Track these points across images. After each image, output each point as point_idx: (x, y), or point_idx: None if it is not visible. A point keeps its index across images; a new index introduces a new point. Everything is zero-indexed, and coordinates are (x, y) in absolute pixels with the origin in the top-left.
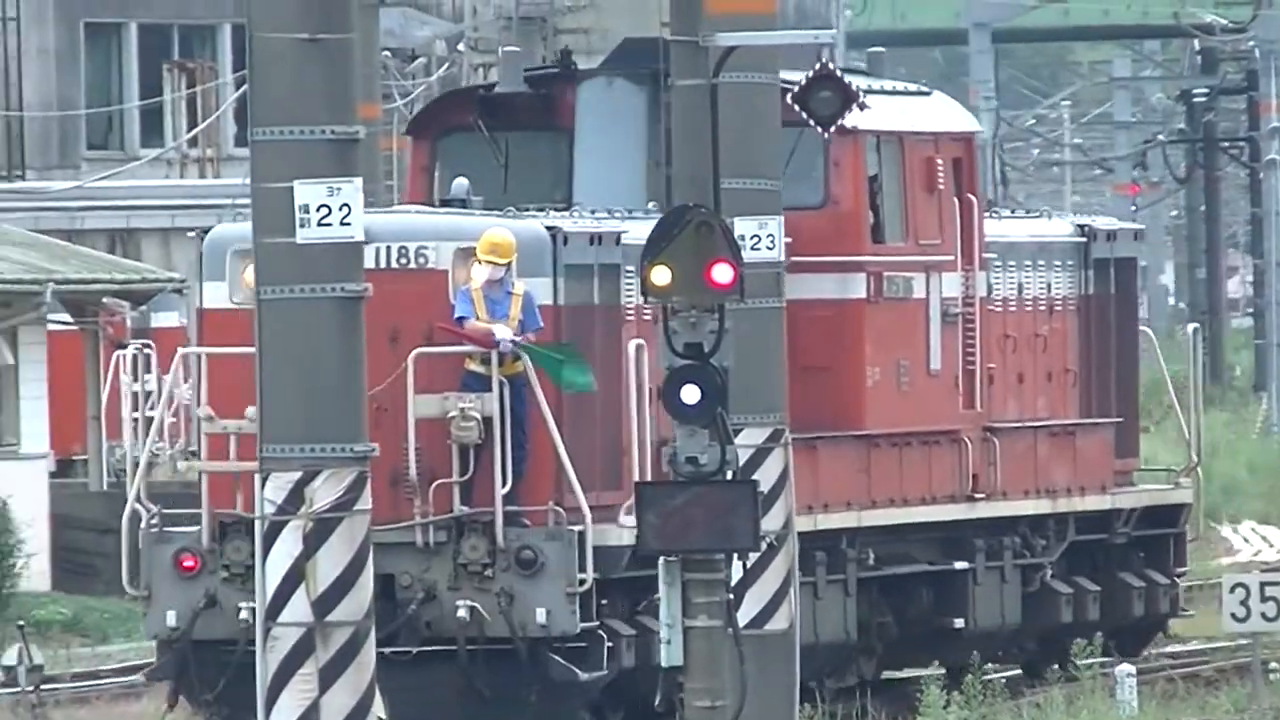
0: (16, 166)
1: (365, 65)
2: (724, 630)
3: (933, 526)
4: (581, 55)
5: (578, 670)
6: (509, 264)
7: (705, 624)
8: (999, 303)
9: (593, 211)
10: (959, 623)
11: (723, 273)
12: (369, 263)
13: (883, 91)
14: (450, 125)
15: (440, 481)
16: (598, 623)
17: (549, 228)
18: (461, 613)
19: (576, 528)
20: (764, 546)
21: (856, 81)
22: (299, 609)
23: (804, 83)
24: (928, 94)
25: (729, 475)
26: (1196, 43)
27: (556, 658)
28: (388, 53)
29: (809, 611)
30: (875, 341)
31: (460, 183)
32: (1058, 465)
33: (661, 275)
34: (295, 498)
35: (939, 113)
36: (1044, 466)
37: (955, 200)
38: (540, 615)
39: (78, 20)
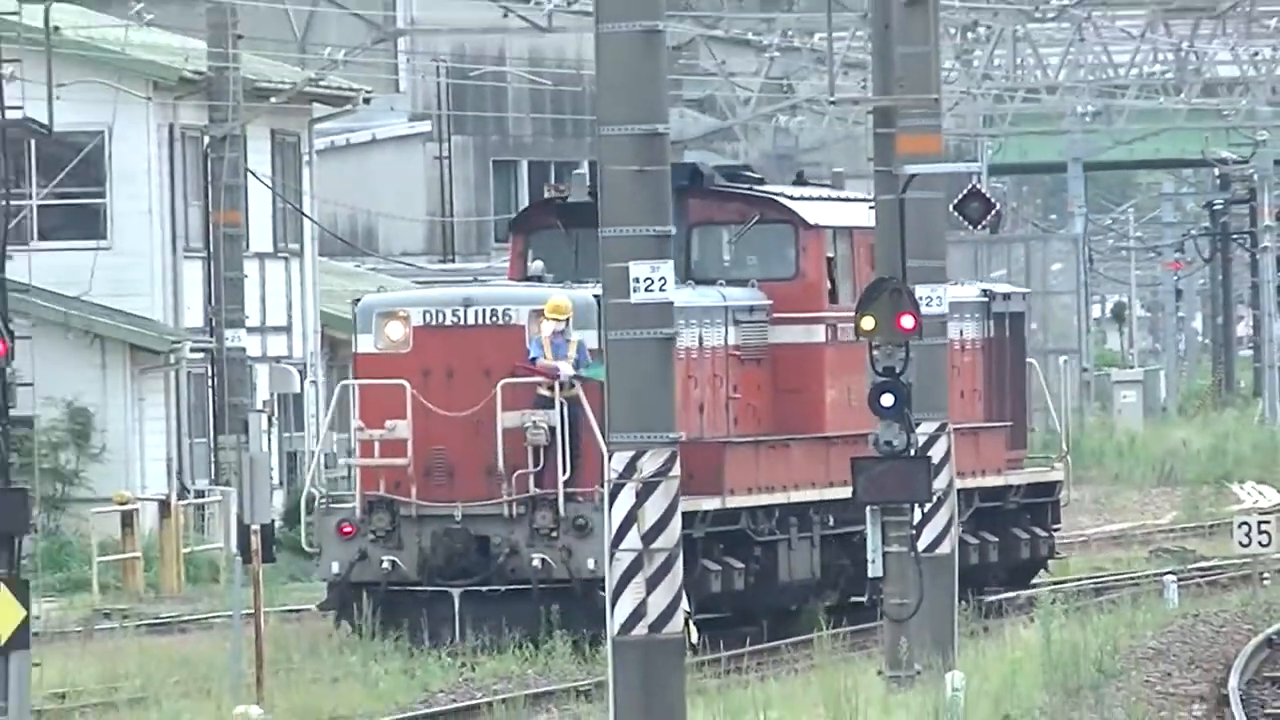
0: (449, 253)
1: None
2: (909, 554)
3: None
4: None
5: None
6: (567, 320)
7: (897, 549)
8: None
9: None
10: None
11: (907, 321)
12: (472, 320)
13: (839, 199)
14: (538, 225)
15: (520, 471)
16: None
17: (595, 295)
18: (535, 562)
19: None
20: (934, 499)
21: (823, 191)
22: (632, 540)
23: (960, 197)
24: (871, 201)
25: (911, 452)
26: (1216, 170)
27: (601, 593)
28: None
29: (785, 558)
30: (832, 372)
31: (536, 264)
32: (966, 455)
33: (868, 322)
34: (630, 468)
35: None
36: (967, 456)
37: None
38: (590, 563)
39: (488, 159)
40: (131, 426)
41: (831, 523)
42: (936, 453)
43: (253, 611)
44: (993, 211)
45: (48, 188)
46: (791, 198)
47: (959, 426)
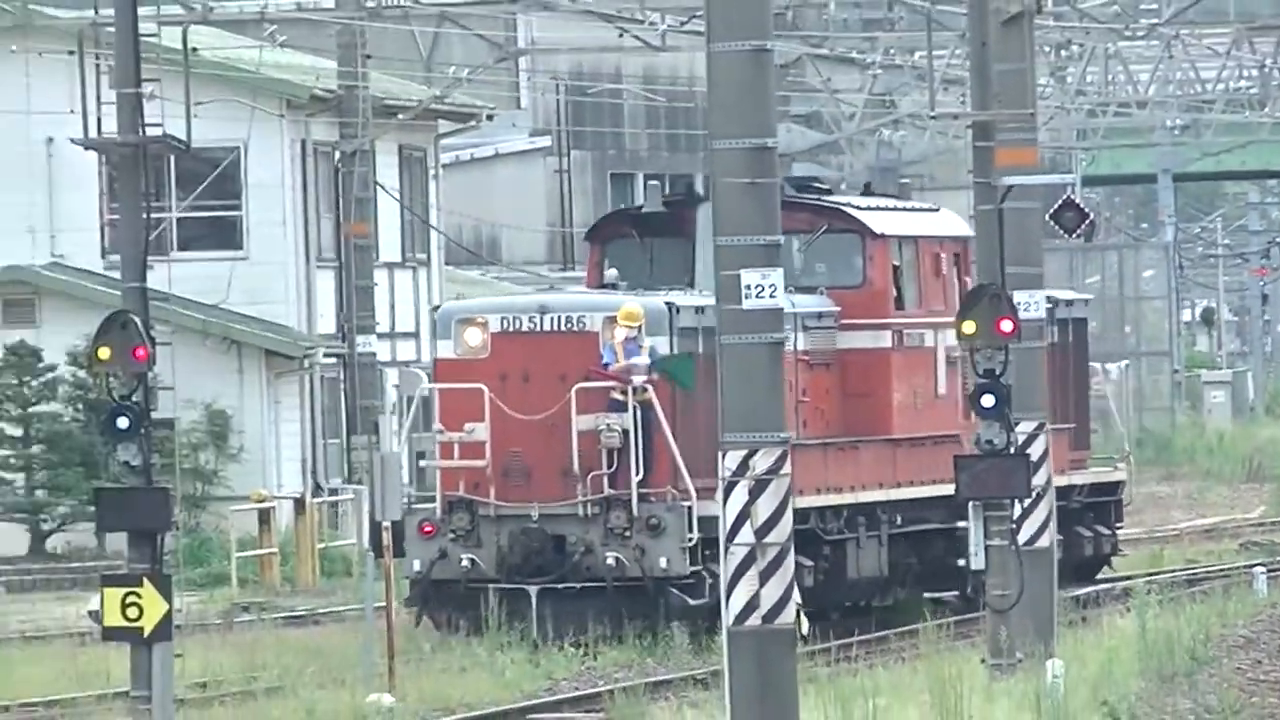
0: (569, 261)
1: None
2: (1010, 547)
3: (944, 499)
4: (917, 190)
5: (688, 598)
6: (639, 326)
7: (998, 543)
8: None
9: (701, 290)
10: (961, 562)
11: (1006, 325)
12: (548, 327)
13: (904, 209)
14: (614, 234)
15: (594, 473)
16: (701, 566)
17: (667, 302)
18: (609, 560)
19: (686, 503)
20: (1033, 495)
21: (890, 201)
22: (746, 535)
23: (1055, 207)
24: (936, 210)
25: (1011, 450)
26: None
27: (673, 590)
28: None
29: (854, 556)
30: (898, 376)
31: (611, 272)
32: None
33: (969, 327)
34: (743, 466)
35: (944, 223)
36: None
37: (956, 281)
38: (663, 562)
39: (605, 172)
40: (268, 428)
41: (899, 521)
42: (1035, 451)
43: (384, 604)
44: (1086, 221)
45: (187, 201)
46: (858, 208)
47: None
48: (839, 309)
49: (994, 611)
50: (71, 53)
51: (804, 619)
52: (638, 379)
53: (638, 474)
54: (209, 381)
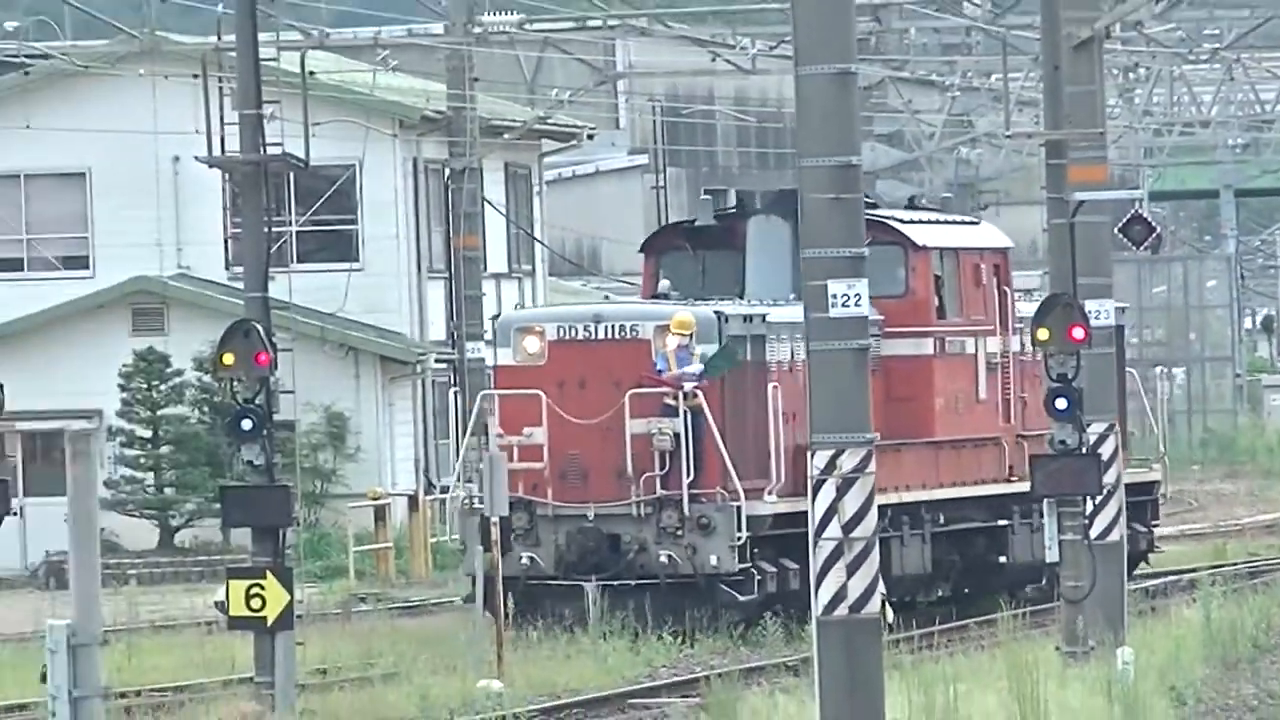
0: None
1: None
2: (1082, 541)
3: (984, 498)
4: (994, 206)
5: (737, 595)
6: (690, 334)
7: (1071, 537)
8: (1029, 356)
9: (749, 300)
10: (1002, 559)
11: (1078, 333)
12: (602, 335)
13: (946, 222)
14: (668, 246)
15: (647, 474)
16: (750, 564)
17: (716, 311)
18: (662, 558)
19: (735, 503)
20: (1104, 491)
21: (931, 215)
22: (833, 530)
23: (1124, 221)
24: (976, 223)
25: (1083, 450)
26: None
27: (723, 587)
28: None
29: (898, 554)
30: (940, 381)
31: (664, 283)
32: None
33: (1043, 334)
34: (830, 465)
35: (984, 235)
36: None
37: (996, 291)
38: (713, 559)
39: (699, 188)
40: (382, 430)
41: (941, 521)
42: (1105, 450)
43: (492, 594)
44: (1153, 234)
45: (305, 216)
46: (901, 221)
47: (1046, 433)
48: (882, 318)
49: (1068, 602)
50: (196, 76)
51: (889, 609)
52: (689, 385)
53: (689, 475)
54: (327, 385)
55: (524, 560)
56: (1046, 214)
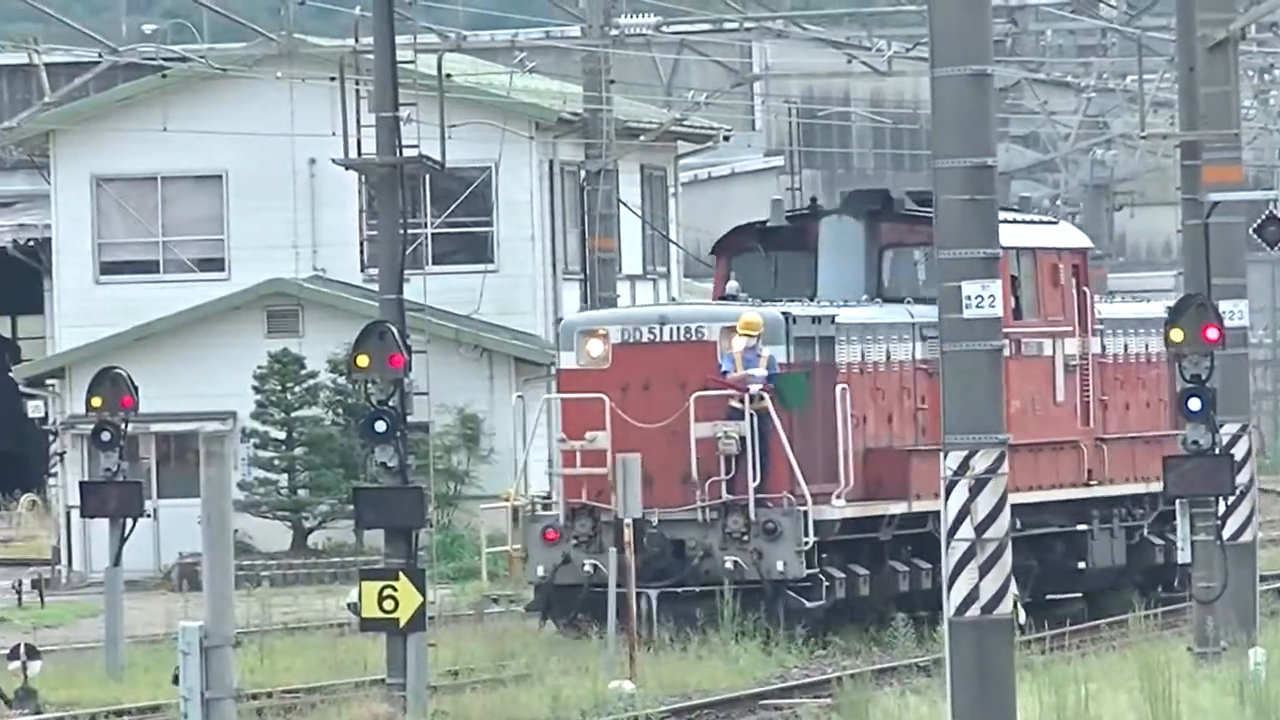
0: None
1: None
2: (1215, 541)
3: (1063, 502)
4: (1129, 207)
5: (805, 601)
6: (758, 336)
7: (1204, 538)
8: (1110, 358)
9: (818, 301)
10: (1081, 564)
11: (1212, 333)
12: (667, 337)
13: (1023, 222)
14: (740, 248)
15: (713, 479)
16: (818, 569)
17: (784, 313)
18: (728, 564)
19: (802, 508)
20: (1237, 492)
21: (1008, 215)
22: (966, 531)
23: (1259, 222)
24: (1055, 223)
25: (1216, 450)
26: None
27: (790, 593)
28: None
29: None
30: (1015, 384)
31: (732, 284)
32: (1151, 461)
33: (1177, 334)
34: (963, 466)
35: (1063, 236)
36: (1141, 462)
37: (1074, 292)
38: (780, 565)
39: (835, 190)
40: (517, 431)
41: (1018, 525)
42: (1239, 451)
43: (625, 604)
44: None
45: (441, 218)
46: None
47: (1143, 435)
48: None
49: (1200, 603)
50: (333, 79)
51: (1021, 610)
52: (755, 387)
53: (755, 480)
54: (461, 387)
55: (587, 568)
56: (1181, 215)
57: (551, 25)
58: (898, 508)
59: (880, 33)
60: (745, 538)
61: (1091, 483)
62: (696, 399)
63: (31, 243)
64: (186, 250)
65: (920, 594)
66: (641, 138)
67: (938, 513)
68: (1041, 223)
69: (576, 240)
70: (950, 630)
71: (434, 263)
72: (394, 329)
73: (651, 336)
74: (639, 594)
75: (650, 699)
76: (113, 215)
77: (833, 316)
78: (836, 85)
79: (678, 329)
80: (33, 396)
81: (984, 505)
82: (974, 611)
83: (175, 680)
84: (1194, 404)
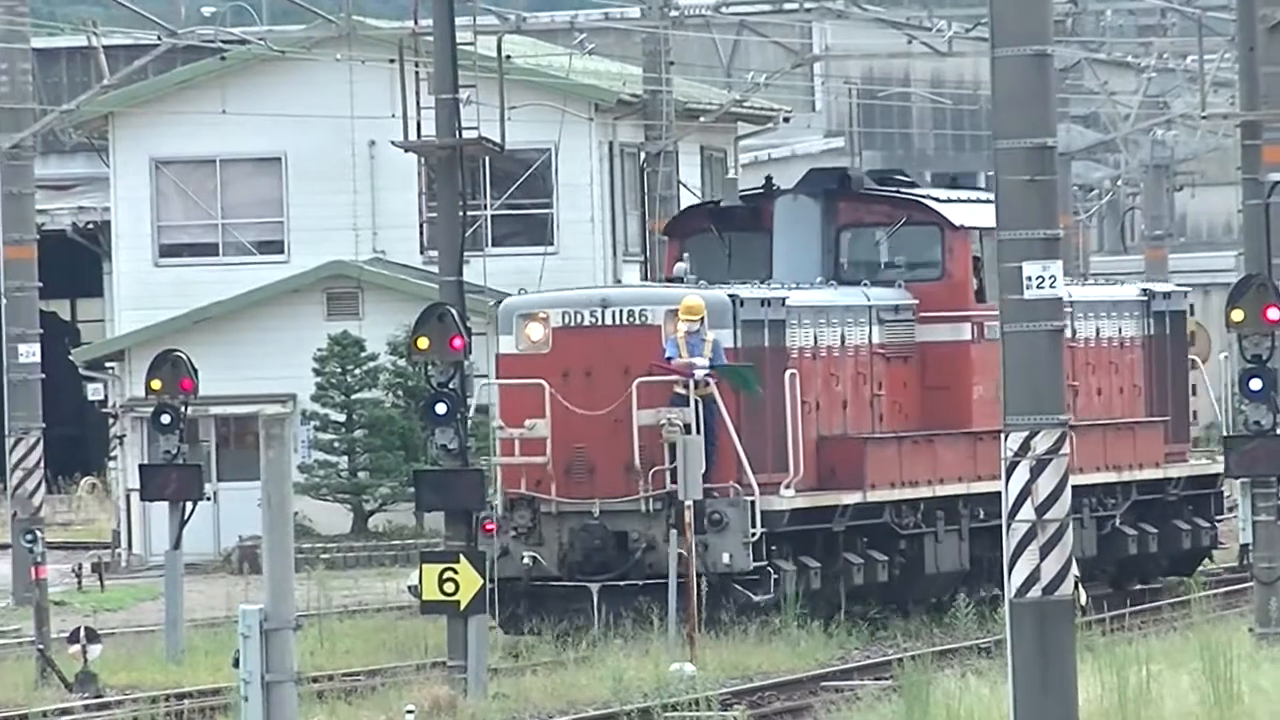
0: None
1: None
2: (1276, 522)
3: None
4: (1189, 187)
5: (751, 594)
6: (701, 319)
7: (1265, 518)
8: (1081, 342)
9: (768, 283)
10: None
11: (1273, 313)
12: (609, 321)
13: (986, 201)
14: (693, 228)
15: (657, 468)
16: (766, 562)
17: (730, 295)
18: (672, 557)
19: (749, 498)
20: None
21: (974, 193)
22: (1027, 512)
23: None
24: None
25: (1277, 431)
26: None
27: (737, 586)
28: (1076, 188)
29: (932, 550)
30: (979, 369)
31: (680, 266)
32: (1122, 449)
33: (1238, 315)
34: (1024, 447)
35: None
36: (1113, 450)
37: None
38: (725, 557)
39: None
40: None
41: (982, 516)
42: None
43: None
44: None
45: (500, 200)
46: (938, 200)
47: (1114, 422)
48: (917, 301)
49: (1261, 583)
50: (393, 61)
51: (1082, 591)
52: (700, 373)
53: (700, 469)
54: None
55: (526, 560)
56: (1241, 195)
57: (611, 6)
58: (851, 498)
59: (940, 13)
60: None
61: None
62: (639, 385)
63: (91, 226)
64: (246, 233)
65: (876, 586)
66: (701, 119)
67: (895, 503)
68: None
69: (636, 222)
70: (1011, 611)
71: (494, 245)
72: (454, 311)
73: (593, 320)
74: (581, 588)
75: (711, 681)
76: (172, 198)
77: (783, 299)
78: (897, 66)
79: (620, 312)
80: (92, 379)
81: (1045, 486)
82: (1035, 593)
83: (235, 663)
84: (1255, 384)
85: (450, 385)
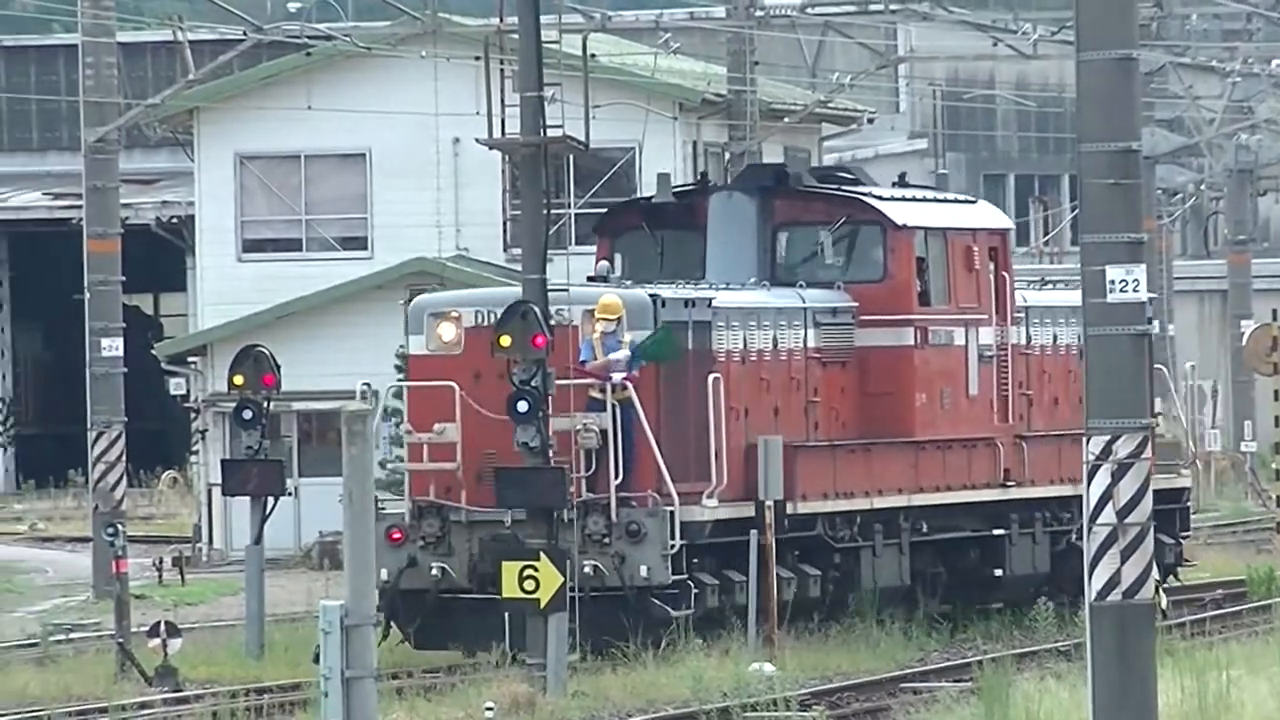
0: None
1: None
2: None
3: (977, 505)
4: (1273, 192)
5: (670, 609)
6: (618, 320)
7: None
8: (1036, 348)
9: (694, 284)
10: (999, 572)
11: None
12: None
13: (933, 200)
14: (624, 227)
15: (571, 476)
16: (686, 575)
17: (652, 295)
18: (587, 569)
19: (669, 508)
20: None
21: (919, 192)
22: (1108, 515)
23: None
24: (973, 202)
25: None
26: None
27: (655, 600)
28: (1160, 192)
29: (869, 565)
30: (921, 375)
31: (602, 265)
32: (1078, 461)
33: None
34: (1106, 451)
35: (979, 215)
36: (1066, 462)
37: (992, 277)
38: (643, 570)
39: (979, 173)
40: None
41: (924, 529)
42: None
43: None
44: None
45: (584, 198)
46: (880, 198)
47: (1069, 432)
48: (856, 304)
49: None
50: (477, 59)
51: (1163, 595)
52: (617, 376)
53: (616, 477)
54: None
55: (434, 571)
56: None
57: (696, 6)
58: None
59: (1026, 15)
60: (606, 540)
61: (1009, 484)
62: (555, 389)
63: (174, 220)
64: (329, 229)
65: (807, 602)
66: (785, 119)
67: (829, 514)
68: (955, 201)
69: None
70: (1092, 615)
71: (577, 243)
72: (537, 309)
73: None
74: (491, 601)
75: (791, 681)
76: (256, 193)
77: (709, 300)
78: (981, 68)
79: None
80: (174, 374)
81: (1126, 490)
82: (1115, 596)
83: (316, 659)
84: None
85: (532, 383)
